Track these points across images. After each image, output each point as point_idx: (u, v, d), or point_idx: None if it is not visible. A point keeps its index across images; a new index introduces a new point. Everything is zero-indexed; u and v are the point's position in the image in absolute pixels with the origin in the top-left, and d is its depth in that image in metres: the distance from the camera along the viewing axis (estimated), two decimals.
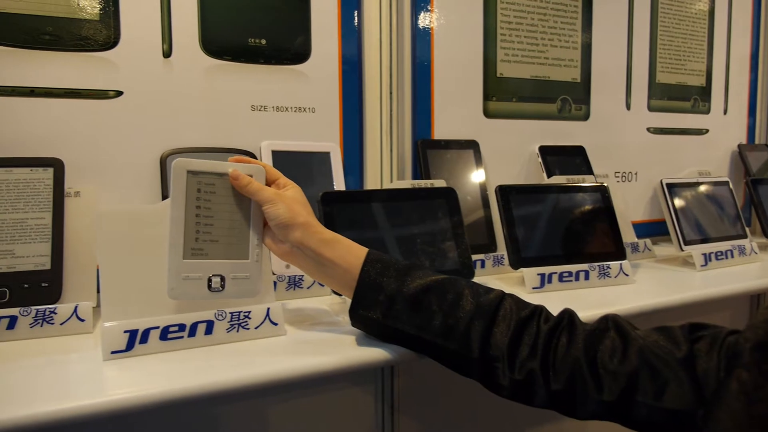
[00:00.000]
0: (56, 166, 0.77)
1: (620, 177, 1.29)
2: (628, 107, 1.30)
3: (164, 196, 0.83)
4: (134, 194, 0.84)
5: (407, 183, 0.94)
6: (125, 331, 0.61)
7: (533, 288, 0.88)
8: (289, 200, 0.66)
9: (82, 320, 0.70)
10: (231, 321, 0.66)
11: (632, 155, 1.31)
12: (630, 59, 1.29)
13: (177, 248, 0.62)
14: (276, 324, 0.67)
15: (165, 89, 0.86)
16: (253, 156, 0.90)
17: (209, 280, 0.64)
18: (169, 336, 0.63)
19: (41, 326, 0.68)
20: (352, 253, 0.65)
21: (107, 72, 0.83)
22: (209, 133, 0.89)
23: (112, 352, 0.60)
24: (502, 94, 1.14)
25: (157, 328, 0.62)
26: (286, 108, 0.95)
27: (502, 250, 1.02)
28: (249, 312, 0.67)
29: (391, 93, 1.02)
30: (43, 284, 0.72)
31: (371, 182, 1.02)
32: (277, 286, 0.84)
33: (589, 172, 1.19)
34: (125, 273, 0.65)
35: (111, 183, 0.83)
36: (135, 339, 0.61)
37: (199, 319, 0.64)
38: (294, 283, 0.85)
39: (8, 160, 0.75)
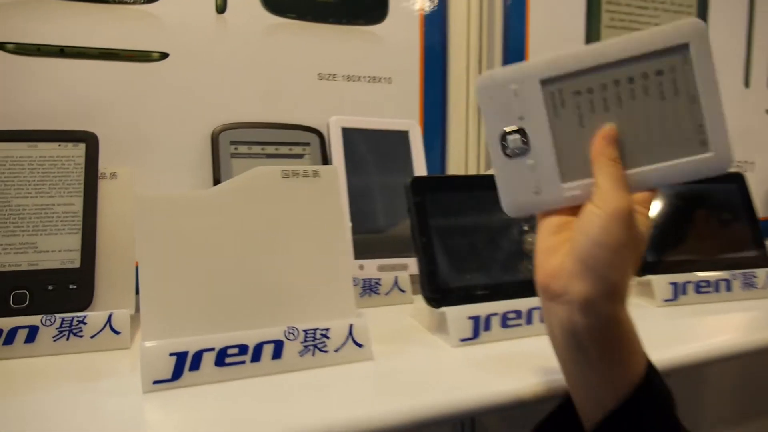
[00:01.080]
0: (89, 141, 0.63)
1: (737, 167, 1.10)
2: (747, 84, 1.11)
3: (216, 181, 0.68)
4: (180, 177, 0.70)
5: None
6: (171, 354, 0.47)
7: (665, 300, 0.70)
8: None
9: (118, 333, 0.56)
10: (305, 341, 0.51)
11: (749, 141, 1.11)
12: (751, 24, 1.09)
13: (554, 66, 0.37)
14: (361, 346, 0.52)
15: (218, 51, 0.72)
16: (320, 134, 0.75)
17: (515, 131, 0.38)
18: (227, 361, 0.48)
19: (67, 339, 0.55)
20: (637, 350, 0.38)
21: (151, 29, 0.69)
22: (268, 105, 0.75)
23: (155, 382, 0.46)
24: None
25: (212, 350, 0.48)
26: (358, 77, 0.80)
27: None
28: (327, 330, 0.52)
29: (480, 62, 0.86)
30: (70, 286, 0.58)
31: (454, 167, 0.86)
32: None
33: None
34: (171, 276, 0.50)
35: (153, 163, 0.69)
36: (184, 364, 0.47)
37: (265, 338, 0.50)
38: (369, 287, 0.70)
39: (32, 133, 0.62)
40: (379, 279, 0.70)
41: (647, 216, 0.37)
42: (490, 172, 0.78)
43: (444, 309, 0.57)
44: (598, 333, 0.35)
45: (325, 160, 0.75)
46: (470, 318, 0.57)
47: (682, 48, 0.35)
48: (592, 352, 0.36)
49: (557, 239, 0.37)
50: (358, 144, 0.76)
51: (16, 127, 0.62)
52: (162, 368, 0.46)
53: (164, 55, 0.70)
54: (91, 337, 0.55)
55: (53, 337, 0.54)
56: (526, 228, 0.65)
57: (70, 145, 0.62)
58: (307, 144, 0.75)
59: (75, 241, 0.60)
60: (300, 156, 0.74)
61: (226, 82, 0.72)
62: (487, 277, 0.61)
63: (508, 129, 0.37)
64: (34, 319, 0.54)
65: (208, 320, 0.50)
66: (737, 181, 0.81)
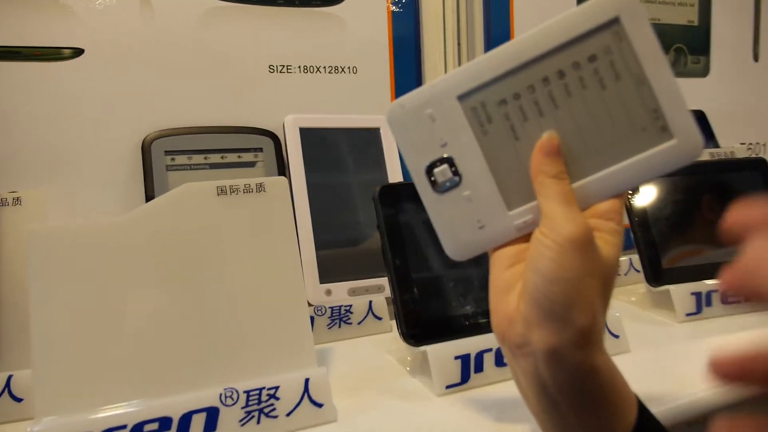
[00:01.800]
0: None
1: (748, 150, 1.00)
2: (756, 58, 1.00)
3: (148, 199, 0.57)
4: (106, 197, 0.59)
5: None
6: None
7: (687, 315, 0.60)
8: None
9: (19, 400, 0.45)
10: (247, 406, 0.40)
11: (762, 120, 1.01)
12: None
13: (468, 79, 0.31)
14: (320, 405, 0.41)
15: (144, 44, 0.61)
16: (274, 137, 0.64)
17: (441, 160, 0.32)
18: None
19: None
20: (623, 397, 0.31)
21: (63, 22, 0.57)
22: (210, 106, 0.64)
23: None
24: None
25: (123, 428, 0.37)
26: (317, 68, 0.68)
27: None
28: (275, 388, 0.41)
29: (459, 44, 0.75)
30: None
31: None
32: (316, 322, 0.58)
33: (713, 143, 0.90)
34: (71, 331, 0.39)
35: (71, 182, 0.58)
36: None
37: (195, 406, 0.39)
38: (339, 317, 0.59)
39: None
40: (350, 306, 0.59)
41: (616, 230, 0.30)
42: None
43: (425, 348, 0.46)
44: (569, 387, 0.29)
45: (283, 167, 0.64)
46: (458, 357, 0.46)
47: (612, 23, 0.29)
48: (566, 407, 0.29)
49: (511, 274, 0.31)
50: (321, 146, 0.65)
51: None
52: None
53: (78, 52, 0.58)
54: None
55: None
56: None
57: None
58: (260, 149, 0.64)
59: None
60: (251, 164, 0.63)
61: (156, 81, 0.61)
62: (478, 304, 0.50)
63: (432, 160, 0.31)
64: None
65: (119, 386, 0.39)
66: (760, 167, 0.71)
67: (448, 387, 0.45)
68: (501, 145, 0.31)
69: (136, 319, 0.40)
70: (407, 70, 0.73)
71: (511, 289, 0.30)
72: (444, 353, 0.46)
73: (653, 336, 0.56)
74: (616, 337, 0.52)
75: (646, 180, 0.31)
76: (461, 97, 0.31)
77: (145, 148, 0.59)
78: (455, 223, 0.32)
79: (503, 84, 0.30)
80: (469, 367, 0.46)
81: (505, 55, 0.30)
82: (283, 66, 0.67)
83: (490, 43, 0.78)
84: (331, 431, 0.41)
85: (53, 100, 0.57)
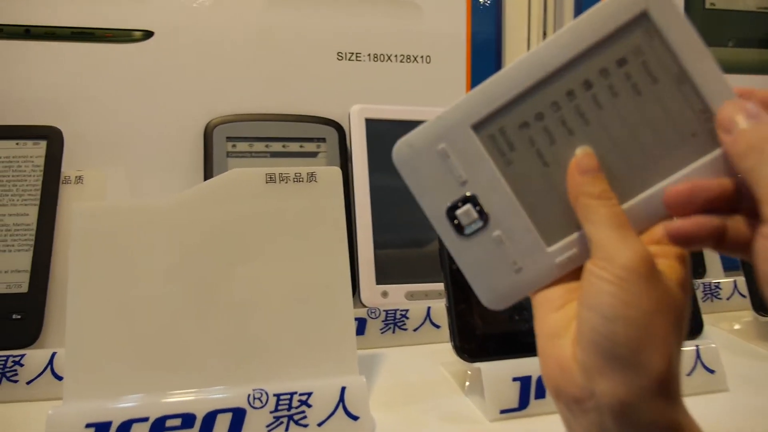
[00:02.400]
0: (51, 138, 0.52)
1: None
2: None
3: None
4: (166, 181, 0.59)
5: None
6: (88, 426, 0.34)
7: None
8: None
9: (61, 379, 0.44)
10: (276, 410, 0.37)
11: None
12: None
13: (480, 102, 0.26)
14: (356, 418, 0.38)
15: (212, 28, 0.59)
16: (338, 128, 0.61)
17: (463, 200, 0.27)
18: None
19: None
20: None
21: (132, 4, 0.57)
22: (274, 93, 0.62)
23: None
24: (712, 36, 0.75)
25: (145, 420, 0.35)
26: (387, 56, 0.65)
27: (715, 274, 0.65)
28: (308, 395, 0.37)
29: (545, 33, 0.69)
30: (14, 316, 0.47)
31: None
32: (368, 326, 0.54)
33: None
34: (107, 314, 0.38)
35: (132, 164, 0.58)
36: None
37: (220, 405, 0.36)
38: (394, 322, 0.55)
39: None
40: (406, 311, 0.55)
41: (680, 255, 0.25)
42: None
43: (479, 365, 0.41)
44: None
45: (346, 158, 0.61)
46: (516, 379, 0.41)
47: (640, 19, 0.25)
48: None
49: (561, 317, 0.26)
50: (387, 138, 0.61)
51: None
52: None
53: (148, 34, 0.58)
54: (27, 383, 0.44)
55: None
56: None
57: (29, 143, 0.52)
58: (323, 139, 0.61)
59: (25, 260, 0.49)
60: (313, 154, 0.61)
61: (222, 66, 0.60)
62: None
63: (452, 201, 0.27)
64: None
65: (146, 375, 0.37)
66: None
67: (502, 412, 0.40)
68: (529, 174, 0.27)
69: (170, 307, 0.39)
70: (485, 62, 0.68)
71: (562, 334, 0.25)
72: (501, 373, 0.41)
73: (757, 373, 0.48)
74: (711, 372, 0.44)
75: None
76: (476, 126, 0.26)
77: (207, 134, 0.58)
78: (488, 269, 0.27)
79: (523, 105, 0.26)
80: (529, 391, 0.41)
81: (521, 71, 0.26)
82: (352, 53, 0.64)
83: None
84: None
85: (121, 82, 0.58)
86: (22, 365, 0.44)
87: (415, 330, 0.55)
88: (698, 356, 0.44)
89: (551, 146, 0.26)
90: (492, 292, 0.27)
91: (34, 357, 0.45)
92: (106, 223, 0.40)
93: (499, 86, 0.26)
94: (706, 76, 0.25)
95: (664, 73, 0.25)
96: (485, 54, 0.68)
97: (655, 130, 0.26)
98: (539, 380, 0.41)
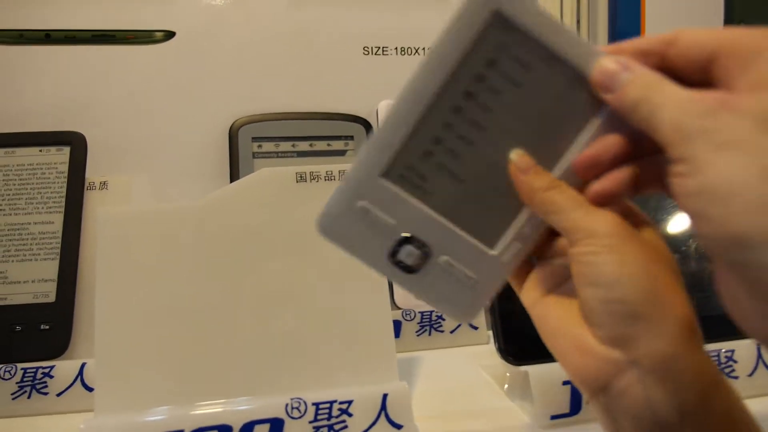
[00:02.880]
0: (75, 143, 0.51)
1: None
2: None
3: None
4: (191, 185, 0.57)
5: None
6: None
7: None
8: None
9: (91, 390, 0.43)
10: (315, 420, 0.35)
11: None
12: None
13: (381, 150, 0.27)
14: (399, 427, 0.36)
15: (235, 27, 0.58)
16: (366, 125, 0.59)
17: (399, 242, 0.28)
18: None
19: (28, 397, 0.43)
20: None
21: (153, 4, 0.56)
22: (300, 91, 0.60)
23: None
24: (758, 16, 0.72)
25: None
26: (415, 50, 0.63)
27: None
28: (349, 402, 0.35)
29: (578, 22, 0.66)
30: (42, 326, 0.46)
31: None
32: (403, 328, 0.52)
33: None
34: (136, 323, 0.37)
35: (157, 168, 0.57)
36: None
37: (258, 415, 0.34)
38: (429, 323, 0.53)
39: (9, 137, 0.51)
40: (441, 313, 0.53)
41: (645, 219, 0.26)
42: None
43: (527, 368, 0.39)
44: (696, 409, 0.23)
45: None
46: (567, 383, 0.38)
47: (495, 18, 0.25)
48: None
49: (562, 314, 0.26)
50: None
51: None
52: None
53: (170, 35, 0.57)
54: (58, 395, 0.43)
55: (12, 394, 0.43)
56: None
57: (52, 149, 0.51)
58: (350, 137, 0.59)
59: (51, 268, 0.48)
60: (341, 152, 0.59)
61: (246, 65, 0.59)
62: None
63: (390, 248, 0.27)
64: None
65: (179, 385, 0.35)
66: None
67: (553, 417, 0.38)
68: (450, 195, 0.28)
69: (202, 313, 0.37)
70: None
71: (570, 325, 0.25)
72: (550, 376, 0.38)
73: None
74: None
75: None
76: (385, 174, 0.27)
77: (232, 134, 0.57)
78: (448, 292, 0.28)
79: (418, 137, 0.26)
80: (581, 396, 0.38)
81: (405, 107, 0.26)
82: (379, 48, 0.62)
83: (615, 28, 0.68)
84: None
85: (143, 85, 0.56)
86: (51, 377, 0.43)
87: (452, 332, 0.53)
88: (759, 356, 0.42)
89: (460, 162, 0.27)
90: (459, 310, 0.28)
91: (64, 368, 0.43)
92: (133, 229, 0.38)
93: (391, 129, 0.26)
94: (570, 47, 0.25)
95: (533, 58, 0.26)
96: None
97: (546, 113, 0.27)
98: None
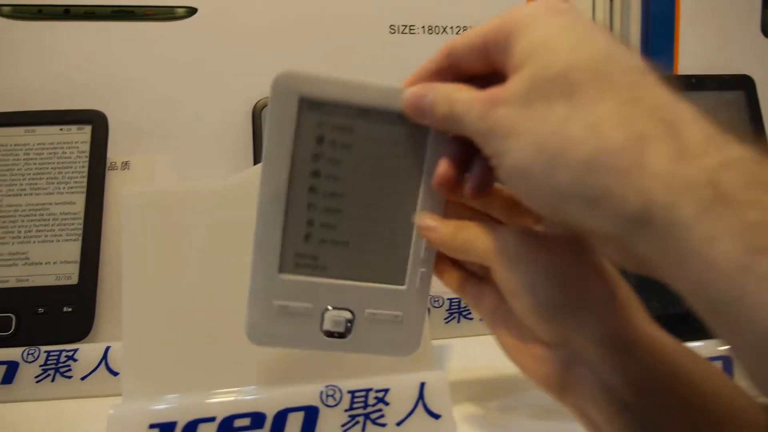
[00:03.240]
0: (96, 122, 0.50)
1: None
2: (766, 33, 0.78)
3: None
4: (213, 165, 0.56)
5: None
6: (152, 426, 0.32)
7: None
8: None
9: (116, 374, 0.42)
10: (351, 408, 0.34)
11: None
12: None
13: (268, 251, 0.30)
14: (437, 416, 0.34)
15: (260, 3, 0.56)
16: None
17: (323, 316, 0.30)
18: None
19: (52, 380, 0.42)
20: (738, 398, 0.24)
21: None
22: (326, 69, 0.58)
23: None
24: None
25: (212, 420, 0.32)
26: (442, 28, 0.61)
27: None
28: (385, 391, 0.34)
29: (611, 9, 0.64)
30: (65, 309, 0.45)
31: None
32: (432, 315, 0.51)
33: None
34: (165, 306, 0.35)
35: (179, 147, 0.55)
36: None
37: (292, 403, 0.33)
38: (458, 311, 0.52)
39: (29, 116, 0.50)
40: None
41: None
42: None
43: None
44: (644, 382, 0.23)
45: None
46: None
47: (302, 102, 0.28)
48: (650, 415, 0.23)
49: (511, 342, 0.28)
50: None
51: (12, 107, 0.50)
52: None
53: (192, 11, 0.55)
54: (82, 379, 0.42)
55: (36, 377, 0.42)
56: None
57: (73, 128, 0.50)
58: None
59: (74, 250, 0.47)
60: None
61: (269, 42, 0.57)
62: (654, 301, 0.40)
63: (319, 327, 0.30)
64: (14, 353, 0.42)
65: (210, 371, 0.34)
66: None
67: None
68: (344, 259, 0.30)
69: (231, 296, 0.36)
70: None
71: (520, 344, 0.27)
72: None
73: None
74: None
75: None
76: (281, 269, 0.30)
77: (256, 115, 0.55)
78: (386, 336, 0.31)
79: (292, 227, 0.29)
80: None
81: (268, 207, 0.29)
82: (406, 26, 0.60)
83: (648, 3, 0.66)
84: None
85: (164, 63, 0.55)
86: (75, 360, 0.42)
87: (481, 319, 0.52)
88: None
89: (336, 230, 0.30)
90: (401, 348, 0.31)
91: (88, 351, 0.42)
92: (157, 208, 0.37)
93: (267, 230, 0.29)
94: (376, 96, 0.28)
95: (351, 120, 0.28)
96: None
97: (387, 158, 0.29)
98: None
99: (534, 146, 0.21)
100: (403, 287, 0.31)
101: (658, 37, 0.66)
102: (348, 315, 0.30)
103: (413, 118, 0.27)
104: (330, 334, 0.31)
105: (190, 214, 0.37)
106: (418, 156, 0.29)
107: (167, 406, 0.32)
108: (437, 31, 0.61)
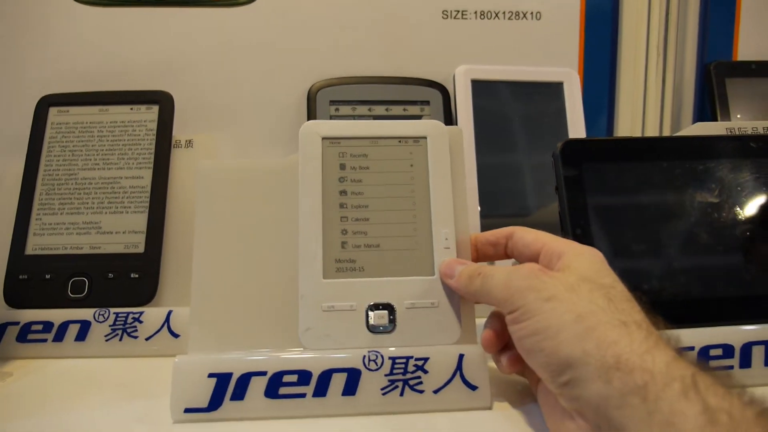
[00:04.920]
0: (162, 103, 0.53)
1: None
2: None
3: None
4: (270, 145, 0.58)
5: (717, 127, 0.53)
6: (211, 375, 0.35)
7: None
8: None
9: (176, 336, 0.45)
10: (391, 373, 0.35)
11: None
12: None
13: (312, 261, 0.36)
14: (474, 388, 0.36)
15: None
16: (443, 90, 0.59)
17: (367, 314, 0.36)
18: (282, 392, 0.35)
19: (120, 339, 0.45)
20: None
21: None
22: (379, 54, 0.60)
23: (187, 410, 0.34)
24: None
25: (264, 374, 0.35)
26: (495, 14, 0.61)
27: None
28: (424, 360, 0.36)
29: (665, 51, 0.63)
30: (132, 275, 0.49)
31: (625, 126, 0.64)
32: None
33: None
34: (233, 268, 0.38)
35: (238, 127, 0.58)
36: (225, 391, 0.34)
37: (336, 364, 0.35)
38: None
39: (103, 95, 0.54)
40: None
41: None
42: (681, 133, 0.55)
43: None
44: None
45: (450, 121, 0.58)
46: None
47: (325, 140, 0.39)
48: None
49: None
50: (494, 101, 0.58)
51: (87, 88, 0.54)
52: (197, 393, 0.34)
53: None
54: (146, 339, 0.45)
55: (105, 336, 0.45)
56: (742, 216, 0.43)
57: (142, 108, 0.53)
58: (427, 102, 0.59)
59: (141, 221, 0.50)
60: (417, 117, 0.59)
61: (325, 28, 0.59)
62: (676, 289, 0.40)
63: (364, 321, 0.36)
64: (87, 313, 0.46)
65: (266, 333, 0.37)
66: None
67: None
68: (377, 259, 0.36)
69: (289, 265, 0.38)
70: (601, 15, 0.63)
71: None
72: None
73: None
74: None
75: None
76: (325, 275, 0.36)
77: (311, 97, 0.57)
78: (428, 325, 0.36)
79: (330, 238, 0.36)
80: None
81: (309, 225, 0.37)
82: (458, 11, 0.61)
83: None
84: (484, 420, 0.35)
85: (225, 47, 0.58)
86: (141, 322, 0.46)
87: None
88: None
89: (367, 235, 0.37)
90: (444, 335, 0.36)
91: (152, 314, 0.46)
92: (230, 182, 0.40)
93: (310, 244, 0.36)
94: (373, 129, 0.39)
95: (361, 147, 0.39)
96: (601, 8, 0.63)
97: (396, 173, 0.38)
98: None
99: (573, 315, 0.28)
100: (434, 276, 0.36)
101: (717, 23, 0.64)
102: (389, 309, 0.36)
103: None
104: (375, 329, 0.35)
105: (256, 188, 0.40)
106: (421, 164, 0.38)
107: (225, 359, 0.35)
108: (489, 16, 0.61)
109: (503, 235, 0.37)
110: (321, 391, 0.35)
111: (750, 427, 0.22)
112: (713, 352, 0.37)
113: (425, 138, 0.39)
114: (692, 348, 0.37)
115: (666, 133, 0.64)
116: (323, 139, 0.38)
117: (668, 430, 0.22)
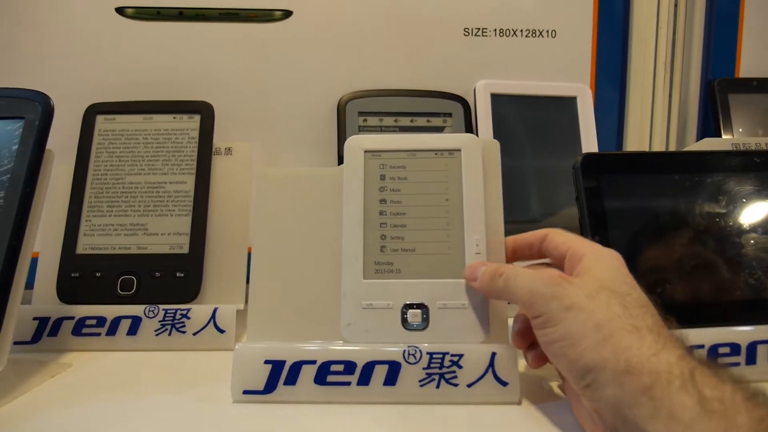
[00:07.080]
0: (204, 112, 0.57)
1: None
2: None
3: (340, 158, 0.59)
4: (302, 152, 0.62)
5: (723, 143, 0.57)
6: (267, 362, 0.38)
7: None
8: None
9: (222, 331, 0.49)
10: (429, 367, 0.39)
11: None
12: None
13: (354, 263, 0.40)
14: (505, 384, 0.39)
15: (344, 5, 0.62)
16: (464, 103, 0.62)
17: (402, 312, 0.39)
18: (330, 379, 0.38)
19: (169, 334, 0.49)
20: None
21: None
22: (405, 69, 0.63)
23: (245, 392, 0.38)
24: None
25: (313, 363, 0.38)
26: (513, 32, 0.65)
27: None
28: (460, 356, 0.39)
29: (676, 5, 0.66)
30: (178, 274, 0.52)
31: (634, 140, 0.68)
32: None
33: None
34: (289, 265, 0.42)
35: (271, 136, 0.62)
36: (279, 376, 0.38)
37: (379, 356, 0.39)
38: None
39: (147, 105, 0.57)
40: None
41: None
42: (689, 148, 0.59)
43: None
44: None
45: (471, 132, 0.62)
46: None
47: (367, 153, 0.43)
48: None
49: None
50: (512, 113, 0.62)
51: (133, 97, 0.57)
52: (254, 377, 0.38)
53: (288, 14, 0.61)
54: (194, 334, 0.49)
55: (155, 330, 0.49)
56: (746, 225, 0.47)
57: (184, 117, 0.56)
58: (449, 114, 0.62)
59: (185, 223, 0.54)
60: (440, 129, 0.62)
61: (354, 43, 0.62)
62: (686, 292, 0.44)
63: (401, 319, 0.39)
64: (137, 309, 0.49)
65: (317, 327, 0.41)
66: None
67: None
68: (413, 261, 0.40)
69: (335, 265, 0.41)
70: (612, 34, 0.67)
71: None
72: None
73: None
74: None
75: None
76: (365, 276, 0.40)
77: (340, 109, 0.61)
78: (458, 324, 0.39)
79: (370, 242, 0.40)
80: None
81: (351, 229, 0.40)
82: (479, 29, 0.64)
83: (713, 4, 0.68)
84: (512, 414, 0.38)
85: (262, 60, 0.61)
86: (189, 318, 0.49)
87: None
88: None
89: (404, 240, 0.40)
90: (472, 335, 0.39)
91: (199, 311, 0.49)
92: (283, 187, 0.43)
93: (352, 246, 0.40)
94: (411, 142, 0.43)
95: (400, 159, 0.42)
96: (612, 27, 0.67)
97: (431, 183, 0.42)
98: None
99: (593, 323, 0.31)
100: (464, 279, 0.39)
101: (721, 42, 0.68)
102: (423, 309, 0.39)
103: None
104: (410, 326, 0.39)
105: (306, 194, 0.43)
106: (455, 175, 0.41)
107: (280, 348, 0.39)
108: (507, 34, 0.65)
109: (538, 237, 0.40)
110: (365, 380, 0.38)
111: (739, 410, 0.25)
112: (721, 350, 0.41)
113: (459, 150, 0.42)
114: (702, 346, 0.41)
115: (672, 145, 0.68)
116: (365, 152, 0.42)
117: (671, 421, 0.26)
